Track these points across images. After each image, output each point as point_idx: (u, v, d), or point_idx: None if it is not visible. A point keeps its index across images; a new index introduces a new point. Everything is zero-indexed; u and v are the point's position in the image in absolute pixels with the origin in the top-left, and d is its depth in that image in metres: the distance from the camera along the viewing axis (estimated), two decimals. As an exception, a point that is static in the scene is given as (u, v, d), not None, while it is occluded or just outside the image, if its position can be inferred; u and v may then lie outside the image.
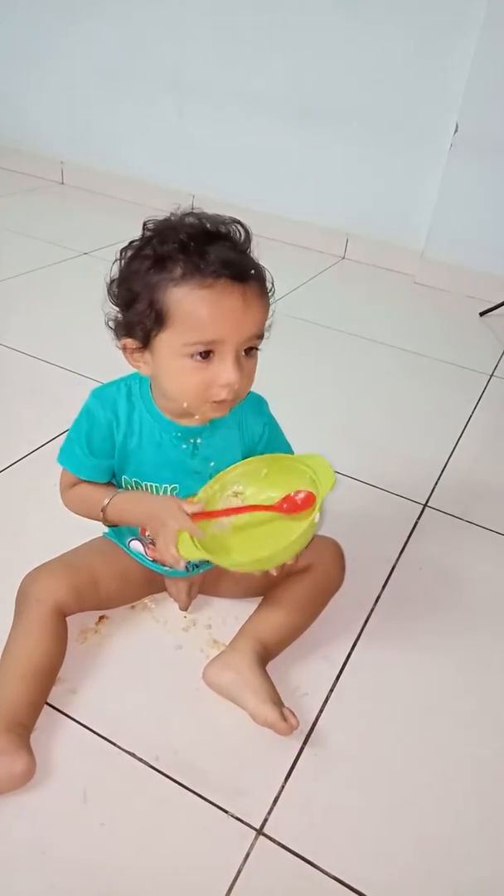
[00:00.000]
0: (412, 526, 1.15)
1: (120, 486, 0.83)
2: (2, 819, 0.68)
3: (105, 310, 0.74)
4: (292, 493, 0.78)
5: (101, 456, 0.80)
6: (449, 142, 2.03)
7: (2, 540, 1.01)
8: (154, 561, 0.88)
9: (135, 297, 0.69)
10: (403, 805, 0.74)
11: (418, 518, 1.17)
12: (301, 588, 0.88)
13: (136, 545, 0.88)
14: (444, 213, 2.14)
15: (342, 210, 2.35)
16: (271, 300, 0.73)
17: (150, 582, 0.91)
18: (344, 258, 2.40)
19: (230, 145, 2.41)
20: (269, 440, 0.85)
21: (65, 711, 0.78)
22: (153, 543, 0.85)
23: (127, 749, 0.75)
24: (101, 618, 0.89)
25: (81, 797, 0.71)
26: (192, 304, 0.66)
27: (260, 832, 0.70)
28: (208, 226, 0.69)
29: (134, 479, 0.81)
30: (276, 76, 2.22)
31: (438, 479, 1.28)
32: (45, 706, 0.77)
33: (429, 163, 2.12)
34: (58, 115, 2.67)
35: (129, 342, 0.72)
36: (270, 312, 0.73)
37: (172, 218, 0.71)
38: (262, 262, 0.72)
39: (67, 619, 0.82)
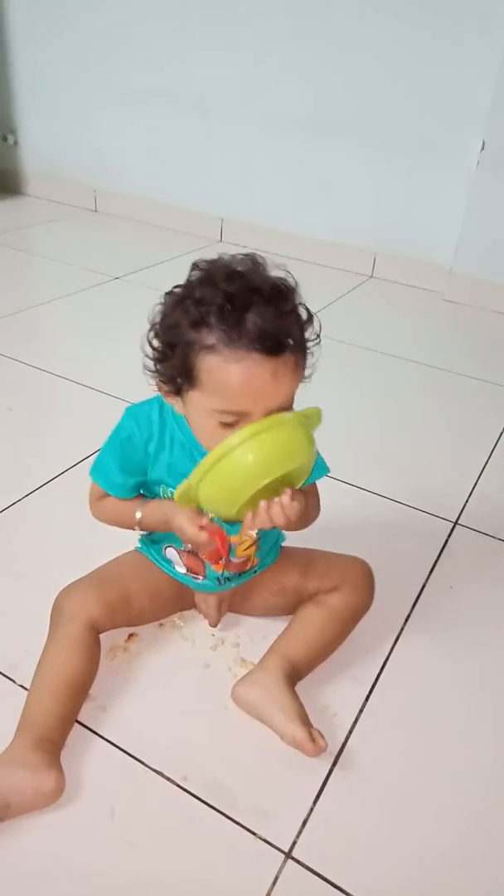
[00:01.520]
0: (442, 544, 1.13)
1: (156, 496, 0.83)
2: (31, 835, 0.68)
3: (145, 346, 0.74)
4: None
5: (134, 474, 0.81)
6: (476, 159, 2.03)
7: (37, 556, 1.03)
8: (188, 570, 0.88)
9: (170, 349, 0.69)
10: (435, 830, 0.73)
11: (448, 536, 1.15)
12: (330, 608, 0.87)
13: (171, 553, 0.88)
14: (472, 230, 2.13)
15: (369, 229, 2.36)
16: (314, 338, 0.72)
17: (181, 598, 0.91)
18: (372, 276, 2.41)
19: (257, 168, 2.45)
20: None
21: (94, 729, 0.79)
22: (189, 551, 0.86)
23: (155, 768, 0.75)
24: (131, 635, 0.90)
25: (109, 815, 0.71)
26: (222, 375, 0.65)
27: (289, 856, 0.69)
28: (253, 281, 0.66)
29: (171, 491, 0.81)
30: (301, 97, 2.26)
31: (469, 496, 1.26)
32: (75, 723, 0.78)
33: (456, 180, 2.12)
34: (90, 146, 2.75)
35: (163, 387, 0.73)
36: (313, 357, 0.72)
37: (220, 262, 0.69)
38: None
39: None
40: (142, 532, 0.85)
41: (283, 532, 0.92)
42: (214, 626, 0.91)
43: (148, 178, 2.68)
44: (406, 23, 2.01)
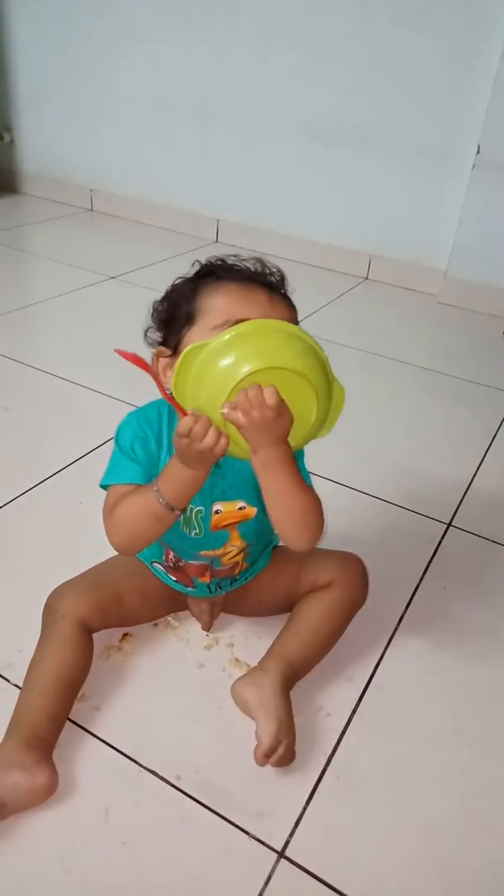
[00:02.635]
0: (436, 545, 1.14)
1: None
2: (25, 836, 0.68)
3: (147, 334, 0.78)
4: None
5: (147, 464, 0.77)
6: (471, 162, 2.05)
7: (31, 556, 1.03)
8: (177, 582, 0.88)
9: (174, 308, 0.74)
10: (427, 829, 0.73)
11: (442, 537, 1.16)
12: (325, 605, 0.87)
13: (157, 567, 0.89)
14: (467, 233, 2.14)
15: (365, 231, 2.37)
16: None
17: (174, 599, 0.91)
18: (367, 279, 2.41)
19: (253, 170, 2.45)
20: None
21: (88, 728, 0.79)
22: (174, 567, 0.86)
23: (149, 767, 0.75)
24: (125, 635, 0.90)
25: (103, 815, 0.71)
26: (220, 295, 0.70)
27: (282, 855, 0.69)
28: (252, 269, 0.75)
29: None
30: (298, 101, 2.27)
31: (462, 498, 1.27)
32: (69, 723, 0.78)
33: (451, 183, 2.13)
34: (87, 146, 2.75)
35: (163, 350, 0.75)
36: None
37: (222, 259, 0.77)
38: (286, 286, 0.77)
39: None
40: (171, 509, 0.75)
41: (276, 535, 0.92)
42: (207, 629, 0.92)
43: (144, 178, 2.68)
44: (403, 29, 2.02)
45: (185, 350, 0.65)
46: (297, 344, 0.66)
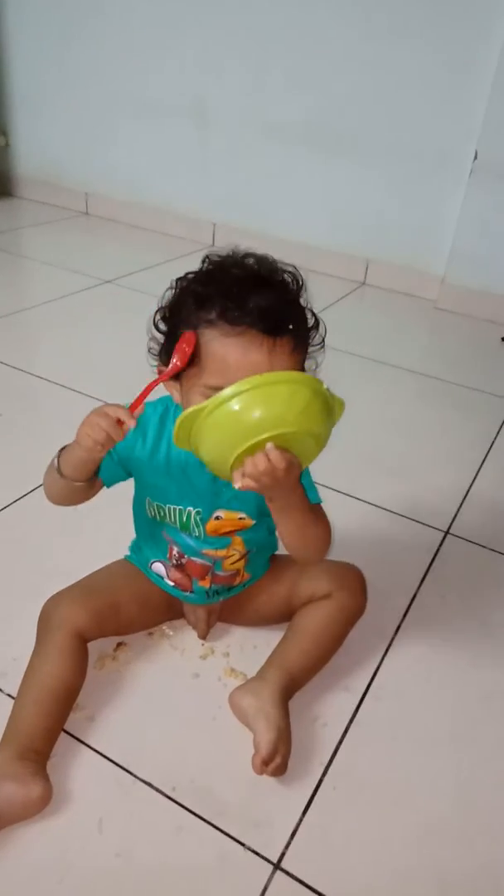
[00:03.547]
0: (434, 553, 1.14)
1: (144, 510, 0.84)
2: (19, 847, 0.68)
3: (149, 335, 0.75)
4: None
5: (109, 463, 0.78)
6: (469, 168, 2.05)
7: (25, 564, 1.02)
8: (175, 585, 0.88)
9: (173, 328, 0.71)
10: (425, 839, 0.73)
11: (440, 545, 1.15)
12: (325, 615, 0.87)
13: (158, 567, 0.88)
14: (465, 239, 2.14)
15: (362, 236, 2.37)
16: (318, 342, 0.74)
17: (170, 607, 0.91)
18: (364, 283, 2.41)
19: (249, 173, 2.45)
20: None
21: (82, 739, 0.78)
22: (177, 565, 0.86)
23: (143, 778, 0.75)
24: (120, 644, 0.89)
25: (97, 826, 0.70)
26: (219, 349, 0.66)
27: (277, 867, 0.68)
28: (261, 271, 0.69)
29: (157, 504, 0.82)
30: (296, 104, 2.27)
31: (460, 505, 1.26)
32: (63, 733, 0.77)
33: (449, 188, 2.14)
34: (82, 149, 2.75)
35: (163, 369, 0.73)
36: (319, 356, 0.74)
37: (232, 255, 0.72)
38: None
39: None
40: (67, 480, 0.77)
41: (277, 543, 0.92)
42: (203, 637, 0.91)
43: (140, 181, 2.68)
44: (402, 35, 2.02)
45: (183, 415, 0.64)
46: (299, 399, 0.63)
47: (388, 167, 2.21)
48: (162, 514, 0.82)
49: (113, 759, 0.76)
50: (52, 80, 2.68)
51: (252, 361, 0.65)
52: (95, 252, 2.49)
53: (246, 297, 0.65)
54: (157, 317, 0.74)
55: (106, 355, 1.67)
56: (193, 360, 0.68)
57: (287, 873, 0.68)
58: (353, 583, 0.90)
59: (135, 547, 0.91)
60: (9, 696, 0.81)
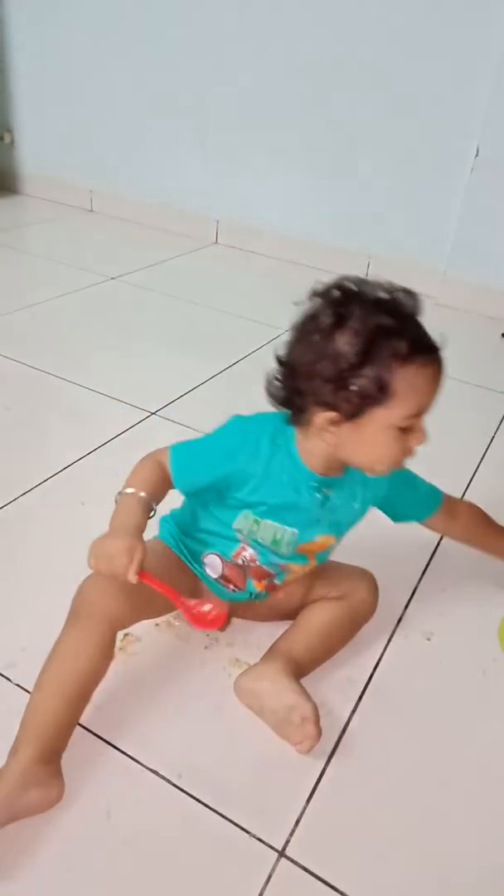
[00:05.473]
0: (434, 547, 1.14)
1: (224, 515, 0.82)
2: (28, 836, 0.69)
3: (269, 379, 0.75)
4: (196, 603, 0.78)
5: (209, 478, 0.78)
6: (470, 165, 2.05)
7: (34, 555, 1.04)
8: (225, 580, 0.86)
9: (351, 371, 0.68)
10: (428, 829, 0.74)
11: (440, 539, 1.16)
12: (334, 614, 0.88)
13: (212, 559, 0.86)
14: (466, 236, 2.15)
15: (364, 232, 2.37)
16: None
17: (193, 594, 0.87)
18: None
19: (252, 170, 2.45)
20: (394, 479, 0.87)
21: (89, 728, 0.79)
22: (240, 565, 0.85)
23: (150, 766, 0.76)
24: (126, 634, 0.90)
25: (105, 814, 0.71)
26: (420, 382, 0.71)
27: (282, 854, 0.69)
28: (400, 305, 0.74)
29: (254, 517, 0.80)
30: (298, 101, 2.27)
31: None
32: (70, 723, 0.78)
33: (451, 185, 2.14)
34: (86, 146, 2.75)
35: (334, 416, 0.71)
36: None
37: (344, 286, 0.76)
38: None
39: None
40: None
41: None
42: (222, 630, 0.91)
43: (144, 178, 2.68)
44: (404, 30, 2.03)
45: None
46: None
47: (390, 163, 2.21)
48: (256, 527, 0.81)
49: (120, 747, 0.77)
50: (56, 78, 2.69)
51: (437, 385, 0.73)
52: (100, 249, 2.50)
53: (419, 330, 0.73)
54: (322, 366, 0.69)
55: (111, 352, 1.68)
56: (386, 396, 0.69)
57: (291, 860, 0.69)
58: (367, 590, 0.92)
59: (176, 532, 0.88)
60: (17, 685, 0.82)
